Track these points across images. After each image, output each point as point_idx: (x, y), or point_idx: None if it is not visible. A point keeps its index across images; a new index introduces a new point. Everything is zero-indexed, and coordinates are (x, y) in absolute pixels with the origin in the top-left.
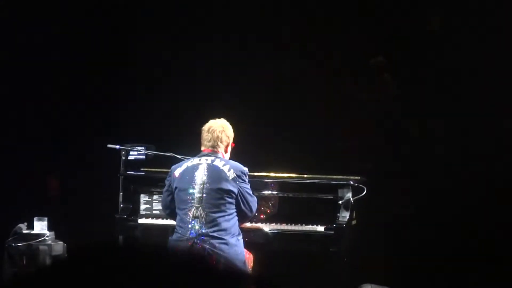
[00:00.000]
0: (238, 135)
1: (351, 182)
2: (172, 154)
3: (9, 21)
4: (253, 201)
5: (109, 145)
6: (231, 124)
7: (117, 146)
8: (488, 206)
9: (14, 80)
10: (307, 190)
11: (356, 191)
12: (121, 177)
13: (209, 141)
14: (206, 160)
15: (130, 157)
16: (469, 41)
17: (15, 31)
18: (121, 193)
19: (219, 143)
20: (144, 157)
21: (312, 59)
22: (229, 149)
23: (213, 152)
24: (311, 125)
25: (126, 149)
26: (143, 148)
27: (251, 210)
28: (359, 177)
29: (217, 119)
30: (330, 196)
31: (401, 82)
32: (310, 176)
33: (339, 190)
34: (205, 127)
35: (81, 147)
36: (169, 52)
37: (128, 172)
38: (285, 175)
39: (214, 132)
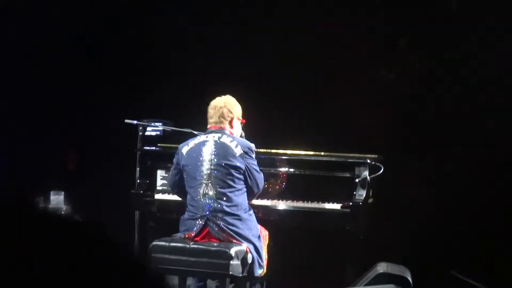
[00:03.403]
0: (256, 112)
1: (368, 161)
2: (189, 130)
3: None
4: (260, 178)
5: (126, 120)
6: (247, 101)
7: (135, 122)
8: (507, 185)
9: (33, 53)
10: (323, 167)
11: (373, 169)
12: (138, 153)
13: (213, 118)
14: (213, 137)
15: (147, 133)
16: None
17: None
18: (138, 169)
19: (222, 119)
20: (161, 132)
21: (331, 37)
22: (235, 124)
23: (219, 128)
24: (329, 102)
25: (144, 125)
26: (160, 123)
27: (257, 186)
28: (376, 156)
29: (223, 96)
30: (347, 174)
31: (422, 62)
32: (327, 153)
33: (356, 168)
34: (210, 104)
35: (98, 121)
36: (187, 27)
37: (145, 148)
38: (302, 152)
39: (217, 108)
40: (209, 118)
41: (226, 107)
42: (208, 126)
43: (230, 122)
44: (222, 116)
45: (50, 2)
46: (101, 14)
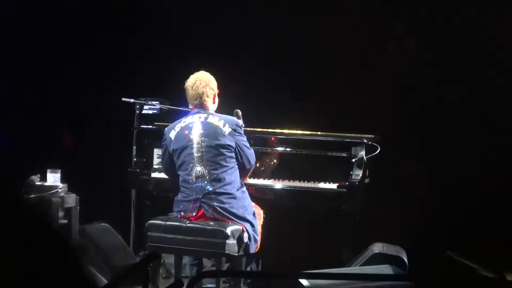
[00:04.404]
0: (253, 92)
1: (365, 140)
2: (186, 109)
3: None
4: (251, 153)
5: (123, 99)
6: (244, 80)
7: (132, 100)
8: (501, 168)
9: (30, 33)
10: (320, 147)
11: (369, 149)
12: (135, 131)
13: (196, 99)
14: (200, 118)
15: (144, 111)
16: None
17: None
18: (135, 147)
19: (205, 98)
20: (158, 111)
21: (328, 16)
22: (216, 99)
23: (203, 108)
24: (326, 82)
25: (140, 103)
26: (157, 102)
27: (249, 162)
28: (373, 136)
29: (197, 73)
30: (343, 154)
31: (418, 43)
32: (324, 133)
33: (353, 148)
34: (188, 84)
35: (95, 100)
36: (183, 6)
37: (141, 126)
38: (299, 132)
39: (198, 88)
40: (191, 99)
41: (208, 85)
42: (191, 107)
43: (213, 99)
44: (205, 95)
45: None
46: None
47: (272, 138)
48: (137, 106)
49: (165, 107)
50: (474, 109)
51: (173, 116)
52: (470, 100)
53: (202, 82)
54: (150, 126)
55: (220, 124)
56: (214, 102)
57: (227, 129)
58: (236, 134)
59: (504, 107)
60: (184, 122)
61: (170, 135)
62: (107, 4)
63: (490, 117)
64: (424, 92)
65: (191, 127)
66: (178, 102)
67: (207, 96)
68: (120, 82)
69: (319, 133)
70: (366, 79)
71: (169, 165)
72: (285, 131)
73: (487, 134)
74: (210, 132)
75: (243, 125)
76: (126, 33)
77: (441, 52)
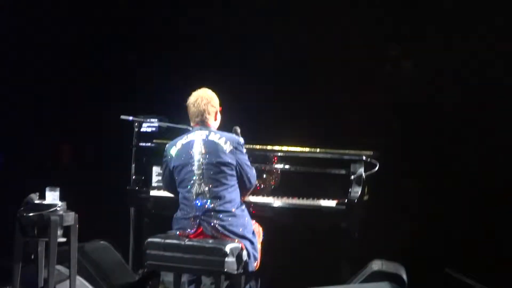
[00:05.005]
0: (251, 108)
1: (364, 158)
2: (185, 126)
3: None
4: (252, 173)
5: (122, 116)
6: (243, 96)
7: (130, 118)
8: (500, 185)
9: (29, 49)
10: (319, 164)
11: (368, 166)
12: (134, 149)
13: (197, 116)
14: (201, 135)
15: (143, 129)
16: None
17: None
18: (133, 165)
19: (207, 116)
20: (157, 129)
21: (328, 34)
22: (218, 116)
23: (204, 126)
24: (325, 99)
25: (139, 121)
26: (156, 119)
27: (250, 182)
28: (372, 153)
29: (199, 91)
30: (342, 171)
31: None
32: (323, 150)
33: (352, 165)
34: (190, 101)
35: (94, 118)
36: (181, 24)
37: (140, 144)
38: (298, 149)
39: (200, 105)
40: (193, 116)
41: (210, 103)
42: (193, 124)
43: (215, 116)
44: (207, 112)
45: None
46: (98, 9)
47: (275, 158)
48: (136, 124)
49: (164, 124)
50: (474, 127)
51: (172, 134)
52: (469, 118)
53: (204, 100)
54: (149, 144)
55: (221, 141)
56: (215, 120)
57: (228, 147)
58: (237, 152)
59: (505, 122)
60: (185, 139)
61: (171, 152)
62: (107, 21)
63: (489, 133)
64: (422, 109)
65: (192, 144)
66: (177, 119)
67: (209, 114)
68: (119, 100)
69: (317, 150)
70: (365, 96)
71: (169, 182)
72: (284, 148)
73: (487, 151)
74: (211, 149)
75: (244, 143)
76: (126, 50)
77: (437, 69)
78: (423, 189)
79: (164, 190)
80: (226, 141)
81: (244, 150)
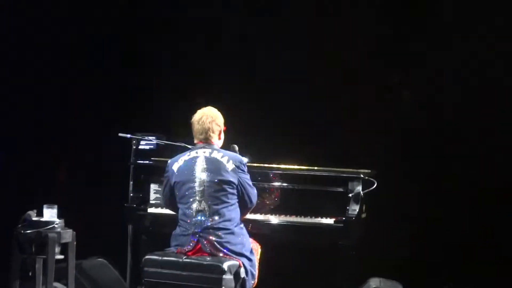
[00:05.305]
0: (250, 126)
1: (362, 176)
2: (183, 144)
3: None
4: (253, 192)
5: (120, 134)
6: (241, 115)
7: (128, 135)
8: (499, 202)
9: (27, 65)
10: (317, 182)
11: (366, 184)
12: (132, 166)
13: (201, 134)
14: (204, 152)
15: (141, 146)
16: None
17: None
18: (131, 182)
19: (211, 134)
20: (155, 146)
21: (327, 55)
22: (222, 135)
23: (208, 143)
24: (322, 117)
25: (137, 138)
26: (154, 137)
27: (251, 201)
28: (370, 171)
29: (204, 109)
30: (340, 189)
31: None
32: (321, 168)
33: (349, 183)
34: (195, 119)
35: (92, 135)
36: (180, 43)
37: (138, 161)
38: (296, 167)
39: (204, 123)
40: (197, 133)
41: (214, 121)
42: (196, 142)
43: (219, 135)
44: (211, 131)
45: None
46: (97, 27)
47: (273, 177)
48: (134, 141)
49: (162, 142)
50: (472, 144)
51: (170, 152)
52: (466, 136)
53: (209, 118)
54: (147, 161)
55: (224, 160)
56: (219, 139)
57: (230, 166)
58: (239, 171)
59: (500, 142)
60: (188, 156)
61: (173, 168)
62: (107, 38)
63: (488, 153)
64: (420, 128)
65: (195, 161)
66: (174, 137)
67: (213, 132)
68: (117, 117)
69: (315, 168)
70: (363, 114)
71: (169, 197)
72: (282, 166)
73: (488, 169)
74: (214, 167)
75: (246, 163)
76: (125, 68)
77: (438, 88)
78: (420, 207)
79: (163, 205)
80: (228, 160)
81: (246, 169)
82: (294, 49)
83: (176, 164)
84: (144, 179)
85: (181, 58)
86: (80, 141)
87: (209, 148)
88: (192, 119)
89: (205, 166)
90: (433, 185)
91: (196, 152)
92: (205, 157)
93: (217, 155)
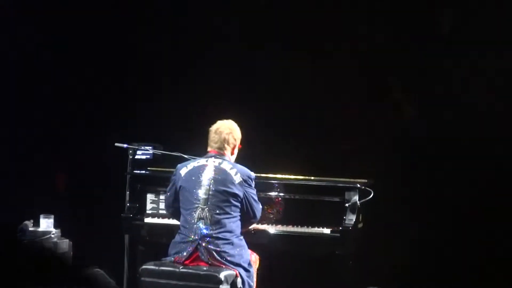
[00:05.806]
0: (245, 136)
1: (358, 185)
2: (179, 154)
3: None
4: (258, 207)
5: (116, 144)
6: (238, 125)
7: (125, 145)
8: (497, 209)
9: (24, 75)
10: (313, 192)
11: (363, 194)
12: (128, 176)
13: (216, 143)
14: (214, 162)
15: (137, 156)
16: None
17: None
18: (128, 192)
19: (225, 145)
20: (151, 156)
21: (321, 64)
22: (235, 151)
23: (220, 154)
24: (319, 127)
25: (134, 148)
26: (150, 147)
27: (254, 216)
28: (366, 180)
29: (225, 120)
30: (336, 199)
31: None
32: (317, 178)
33: (346, 193)
34: (213, 127)
35: (88, 145)
36: (177, 52)
37: (135, 171)
38: (292, 177)
39: (221, 133)
40: (211, 142)
41: (232, 133)
42: (209, 150)
43: (232, 149)
44: (226, 142)
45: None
46: (96, 30)
47: (271, 187)
48: (130, 151)
49: (158, 152)
50: (469, 154)
51: (167, 162)
52: (463, 145)
53: (227, 129)
54: (143, 171)
55: (232, 172)
56: (232, 154)
57: (237, 178)
58: (246, 185)
59: (496, 152)
60: (198, 162)
61: (180, 172)
62: (106, 46)
63: (483, 158)
64: (417, 137)
65: (204, 169)
66: (171, 147)
67: (228, 144)
68: (114, 127)
69: (312, 178)
70: (359, 124)
71: (172, 200)
72: (278, 176)
73: (487, 178)
74: (221, 177)
75: (254, 178)
76: (123, 77)
77: (435, 96)
78: (417, 216)
79: (165, 210)
80: (236, 173)
81: (253, 184)
82: (292, 58)
83: (185, 169)
84: (141, 189)
85: (179, 71)
86: (76, 151)
87: (220, 158)
88: (210, 127)
89: (213, 175)
90: (430, 194)
91: (206, 160)
92: (215, 166)
93: (226, 166)
